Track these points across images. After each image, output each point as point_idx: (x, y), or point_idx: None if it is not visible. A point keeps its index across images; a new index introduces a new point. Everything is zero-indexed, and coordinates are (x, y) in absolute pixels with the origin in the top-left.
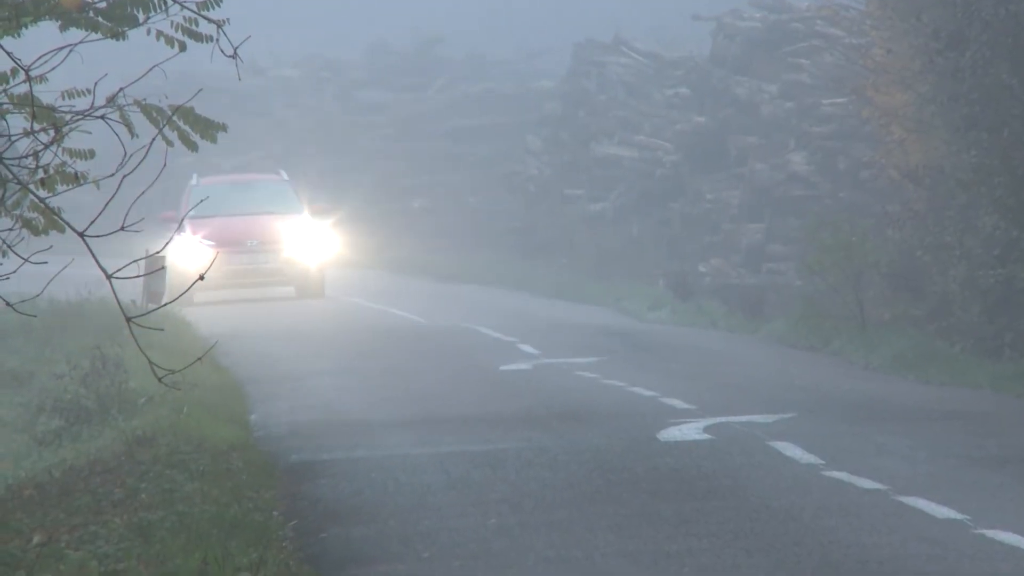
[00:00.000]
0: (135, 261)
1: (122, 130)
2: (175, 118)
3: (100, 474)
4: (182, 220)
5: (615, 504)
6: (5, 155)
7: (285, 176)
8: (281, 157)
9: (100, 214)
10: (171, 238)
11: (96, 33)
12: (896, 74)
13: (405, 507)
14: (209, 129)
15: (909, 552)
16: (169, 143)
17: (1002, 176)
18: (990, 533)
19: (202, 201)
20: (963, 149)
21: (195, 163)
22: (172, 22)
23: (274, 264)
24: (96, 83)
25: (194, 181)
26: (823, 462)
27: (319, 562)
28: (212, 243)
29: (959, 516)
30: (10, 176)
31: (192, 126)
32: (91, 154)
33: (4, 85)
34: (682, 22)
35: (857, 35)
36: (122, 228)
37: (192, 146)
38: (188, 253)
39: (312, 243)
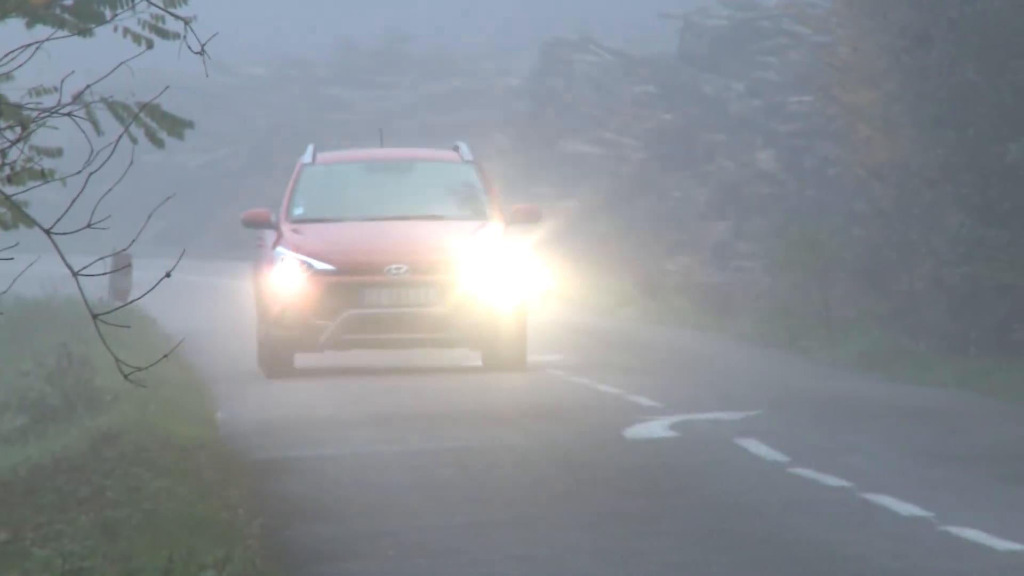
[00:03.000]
0: (101, 259)
1: (89, 127)
2: (142, 115)
3: (66, 472)
4: (277, 221)
5: (582, 502)
6: None
7: (466, 153)
8: (248, 157)
9: (67, 211)
10: (264, 254)
11: (63, 30)
12: (863, 72)
13: (372, 505)
14: (176, 126)
15: (874, 549)
16: (135, 140)
17: (968, 174)
18: (955, 530)
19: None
20: (929, 147)
21: (162, 161)
22: (139, 19)
23: (438, 308)
24: (63, 80)
25: (307, 157)
26: (789, 459)
27: (285, 560)
28: (328, 267)
29: (924, 513)
30: None
31: (159, 123)
32: (59, 152)
33: None
34: (650, 20)
35: (824, 33)
36: (88, 225)
37: (159, 143)
38: (282, 282)
39: (509, 272)
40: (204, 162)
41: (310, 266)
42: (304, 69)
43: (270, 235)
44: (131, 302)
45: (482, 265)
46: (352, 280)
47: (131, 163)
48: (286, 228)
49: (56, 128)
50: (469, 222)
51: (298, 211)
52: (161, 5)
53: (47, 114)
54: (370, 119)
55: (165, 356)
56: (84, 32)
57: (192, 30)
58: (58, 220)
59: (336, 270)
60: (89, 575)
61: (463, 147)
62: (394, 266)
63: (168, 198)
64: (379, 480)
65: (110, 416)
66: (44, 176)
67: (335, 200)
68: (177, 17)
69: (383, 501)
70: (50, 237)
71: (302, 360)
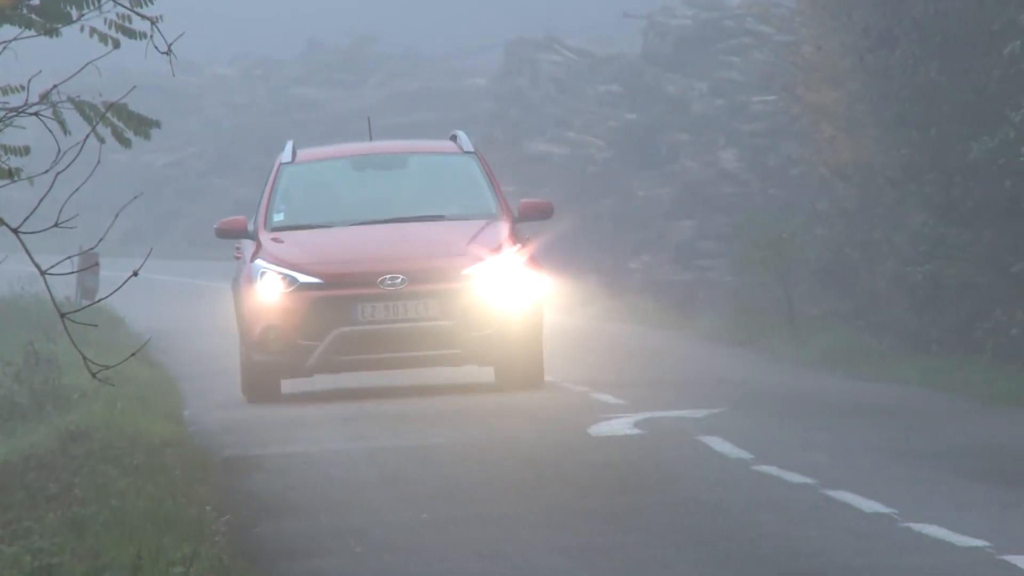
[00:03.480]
0: (69, 258)
1: (56, 127)
2: (109, 115)
3: (34, 469)
4: (255, 230)
5: (546, 498)
6: None
7: (466, 143)
8: (214, 156)
9: (34, 211)
10: (242, 267)
11: (30, 30)
12: (826, 72)
13: (338, 502)
14: (142, 126)
15: (837, 545)
16: (101, 139)
17: (931, 174)
18: (916, 526)
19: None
20: (893, 147)
21: (129, 160)
22: (106, 19)
23: (441, 322)
24: (30, 80)
25: (287, 155)
26: (752, 457)
27: (252, 556)
28: (314, 280)
29: (886, 510)
30: None
31: (126, 123)
32: (26, 151)
33: None
34: (614, 20)
35: (787, 32)
36: (56, 225)
37: (126, 142)
38: (263, 299)
39: (520, 277)
40: (171, 161)
41: (294, 280)
42: (271, 69)
43: (248, 245)
44: (98, 301)
45: (490, 270)
46: (342, 294)
47: (98, 162)
48: (265, 237)
49: (23, 127)
50: (473, 221)
51: (278, 217)
52: (127, 5)
53: (14, 113)
54: (337, 119)
55: (133, 355)
56: (51, 32)
57: (159, 30)
58: (26, 219)
59: (324, 283)
60: (58, 572)
61: (462, 136)
62: (389, 276)
63: (135, 197)
64: (345, 477)
65: (78, 414)
66: (11, 175)
67: (320, 203)
68: (144, 17)
69: (349, 498)
70: (17, 236)
71: (290, 385)
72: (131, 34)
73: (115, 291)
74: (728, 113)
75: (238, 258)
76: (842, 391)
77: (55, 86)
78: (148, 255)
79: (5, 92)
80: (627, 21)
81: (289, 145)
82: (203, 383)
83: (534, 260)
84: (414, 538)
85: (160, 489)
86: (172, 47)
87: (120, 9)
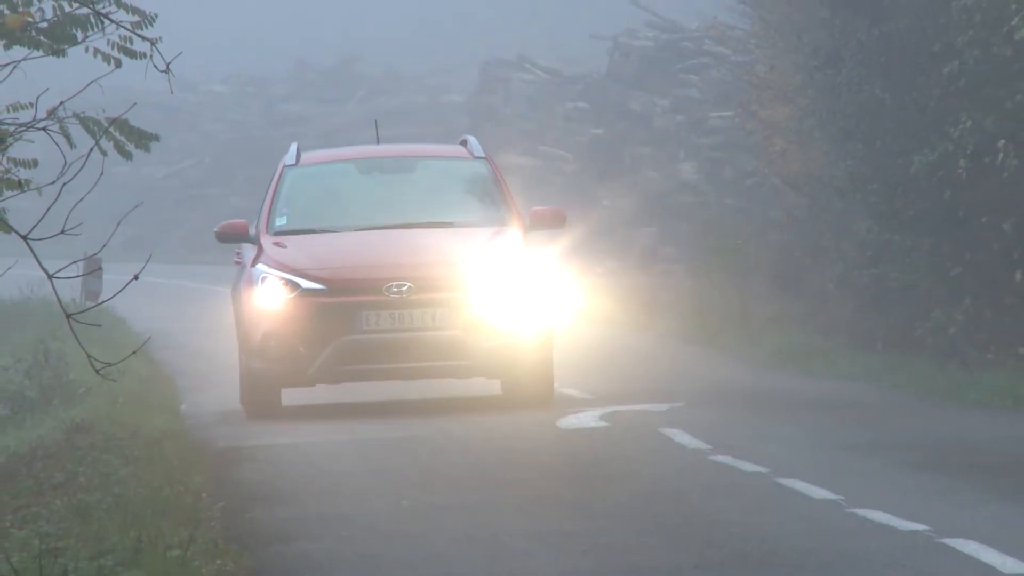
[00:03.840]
0: (74, 262)
1: (62, 140)
2: (111, 129)
3: (42, 459)
4: (256, 234)
5: (519, 487)
6: None
7: (477, 148)
8: (210, 168)
9: (42, 219)
10: (242, 272)
11: (38, 51)
12: (778, 89)
13: (325, 490)
14: (143, 139)
15: (788, 530)
16: (104, 152)
17: (875, 184)
18: (862, 512)
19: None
20: (840, 159)
21: (130, 172)
22: (108, 40)
23: (447, 332)
24: (38, 97)
25: (290, 157)
26: (710, 447)
27: (245, 540)
28: (317, 286)
29: (834, 497)
30: None
31: (127, 137)
32: (34, 163)
33: None
34: (581, 41)
35: (742, 53)
36: (62, 232)
37: (127, 155)
38: (263, 305)
39: (530, 287)
40: (169, 173)
41: (296, 286)
42: (262, 87)
43: (249, 250)
44: (102, 303)
45: (499, 279)
46: (346, 301)
47: (101, 174)
48: (267, 241)
49: (32, 141)
50: (483, 229)
51: (281, 221)
52: (129, 27)
53: (24, 128)
54: (324, 133)
55: (133, 353)
56: (58, 53)
57: (158, 50)
58: (34, 227)
59: (327, 290)
60: (64, 555)
61: (472, 141)
62: (395, 283)
63: (136, 206)
64: (332, 467)
65: (83, 408)
66: (21, 186)
67: (324, 207)
68: (144, 39)
69: (335, 486)
70: (27, 242)
71: (291, 396)
72: (132, 54)
73: (117, 294)
74: (687, 128)
75: (238, 263)
76: (794, 387)
77: (61, 103)
78: (148, 260)
79: (15, 108)
80: (594, 42)
81: (293, 147)
82: (199, 380)
83: (545, 269)
84: (396, 523)
85: (159, 478)
86: (170, 66)
87: (122, 31)
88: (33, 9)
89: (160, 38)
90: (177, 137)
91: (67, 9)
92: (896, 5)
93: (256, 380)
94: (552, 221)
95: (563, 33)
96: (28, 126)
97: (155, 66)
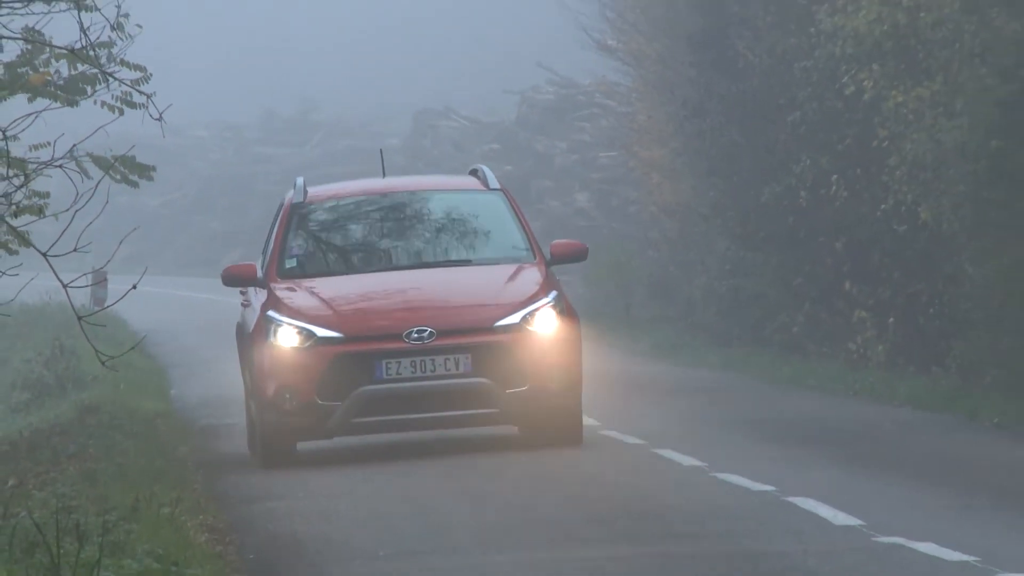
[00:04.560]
0: (84, 275)
1: (75, 175)
2: (117, 164)
3: (58, 434)
4: (265, 278)
5: (445, 459)
6: None
7: (492, 179)
8: (195, 198)
9: (58, 239)
10: (250, 317)
11: (56, 102)
12: (654, 134)
13: (291, 460)
14: (144, 171)
15: (659, 489)
16: (116, 180)
17: (732, 211)
18: (721, 475)
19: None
20: (704, 191)
21: (130, 201)
22: (113, 95)
23: (473, 378)
24: (55, 140)
25: (297, 194)
26: (599, 424)
27: (222, 500)
28: (333, 334)
29: (700, 463)
30: None
31: (131, 170)
32: (47, 195)
33: None
34: (496, 94)
35: (626, 105)
36: (75, 249)
37: (133, 184)
38: (276, 355)
39: (558, 327)
40: (161, 203)
41: (311, 334)
42: (237, 132)
43: (257, 292)
44: (107, 307)
45: (526, 320)
46: (365, 349)
47: (107, 202)
48: (277, 286)
49: (50, 176)
50: (504, 266)
51: (291, 263)
52: (129, 84)
53: (44, 165)
54: (287, 170)
55: (132, 348)
56: (72, 104)
57: (153, 102)
58: (52, 245)
59: (344, 338)
60: (75, 512)
61: (486, 171)
62: (416, 329)
63: (134, 229)
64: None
65: (91, 393)
66: (41, 212)
67: (335, 248)
68: (142, 93)
69: (300, 458)
70: (46, 258)
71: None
72: (132, 106)
73: (119, 300)
74: (581, 165)
75: (245, 305)
76: (667, 375)
77: (75, 145)
78: (144, 273)
79: (37, 148)
80: (506, 96)
81: (299, 182)
82: (185, 371)
83: (570, 307)
84: (347, 486)
85: (153, 450)
86: (163, 115)
87: (124, 87)
88: (52, 69)
89: (154, 92)
90: (167, 173)
91: (79, 68)
92: (749, 67)
93: (270, 434)
94: (573, 255)
95: (481, 88)
96: (49, 163)
97: (150, 115)
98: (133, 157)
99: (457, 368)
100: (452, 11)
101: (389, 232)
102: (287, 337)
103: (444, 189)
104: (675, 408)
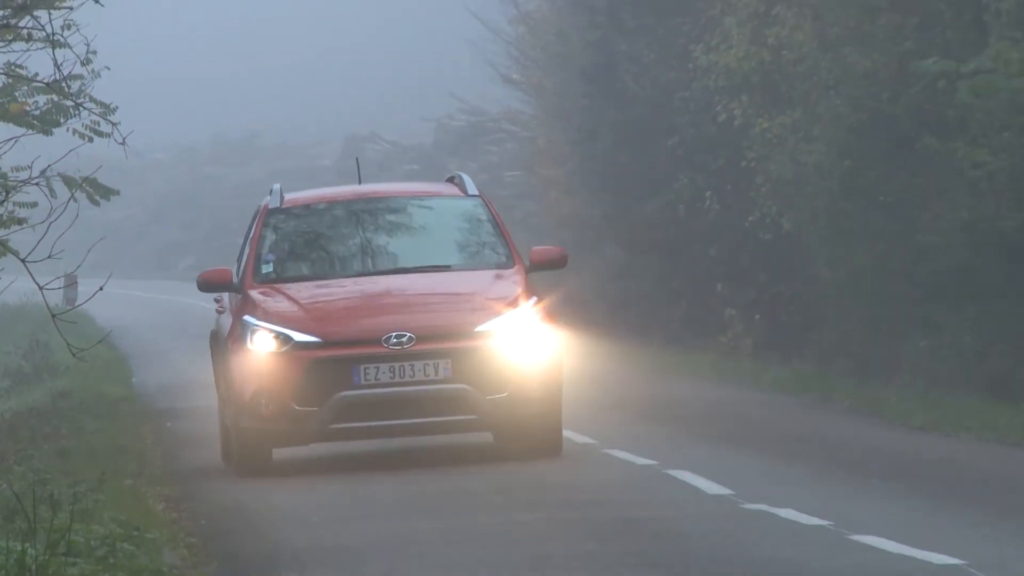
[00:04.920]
0: (58, 278)
1: (49, 192)
2: (84, 185)
3: (35, 417)
4: (241, 283)
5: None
6: None
7: (471, 186)
8: (153, 213)
9: (35, 247)
10: (225, 322)
11: (32, 130)
12: (553, 155)
13: None
14: (107, 192)
15: (557, 463)
16: (76, 200)
17: (621, 222)
18: (612, 452)
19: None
20: (596, 205)
21: (98, 214)
22: (83, 123)
23: (453, 384)
24: (32, 161)
25: (274, 199)
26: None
27: (178, 474)
28: (311, 339)
29: (592, 441)
30: None
31: (95, 190)
32: (34, 204)
33: None
34: (414, 122)
35: (528, 130)
36: (50, 256)
37: (96, 203)
38: (253, 360)
39: (538, 333)
40: (124, 216)
41: (288, 338)
42: (190, 153)
43: (232, 299)
44: (77, 307)
45: (506, 325)
46: (342, 354)
47: (77, 216)
48: (254, 291)
49: (28, 193)
50: (484, 272)
51: (267, 269)
52: (98, 114)
53: (23, 183)
54: (235, 188)
55: (99, 341)
56: (47, 132)
57: (118, 129)
58: (30, 253)
59: (321, 342)
60: (49, 484)
61: (464, 178)
62: (395, 334)
63: (101, 239)
64: None
65: (64, 380)
66: (20, 223)
67: (314, 253)
68: (108, 121)
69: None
70: (24, 264)
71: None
72: (100, 134)
73: (87, 300)
74: (490, 183)
75: (220, 312)
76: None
77: (49, 166)
78: (109, 277)
79: (16, 169)
80: (424, 123)
81: (276, 188)
82: (145, 360)
83: (551, 314)
84: (299, 467)
85: (117, 430)
86: (126, 140)
87: (93, 117)
88: (30, 100)
89: (120, 121)
90: (129, 189)
91: (55, 100)
92: (635, 97)
93: (246, 440)
94: (554, 261)
95: (402, 116)
96: (26, 182)
97: (115, 140)
98: (96, 179)
99: (436, 373)
100: (377, 48)
101: (367, 237)
102: (263, 342)
103: (422, 195)
104: (570, 394)
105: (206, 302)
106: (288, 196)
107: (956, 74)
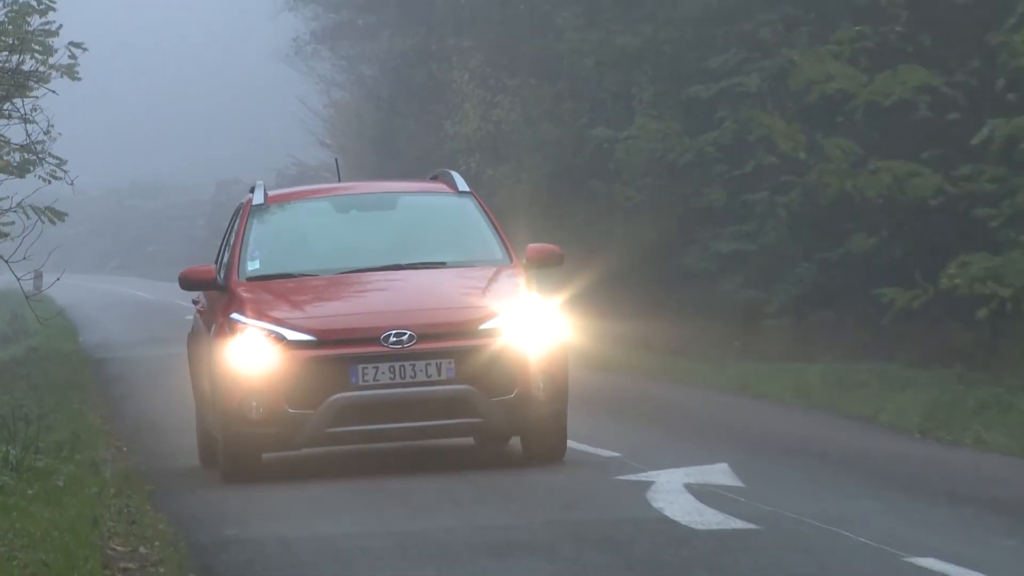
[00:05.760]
0: (30, 272)
1: (23, 215)
2: (46, 211)
3: (15, 364)
4: (226, 281)
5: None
6: None
7: (461, 182)
8: (93, 228)
9: (14, 252)
10: (207, 321)
11: (12, 175)
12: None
13: (170, 387)
14: (60, 216)
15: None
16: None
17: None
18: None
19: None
20: None
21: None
22: (45, 171)
23: (456, 385)
24: (12, 196)
25: (258, 196)
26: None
27: (109, 398)
28: (306, 337)
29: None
30: None
31: (53, 214)
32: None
33: None
34: (262, 171)
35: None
36: (24, 258)
37: (53, 222)
38: (243, 360)
39: (542, 331)
40: (72, 232)
41: (280, 337)
42: (116, 191)
43: (215, 297)
44: (43, 291)
45: (511, 323)
46: (339, 353)
47: (41, 232)
48: (240, 289)
49: (9, 217)
50: (483, 269)
51: (253, 266)
52: (55, 165)
53: (6, 211)
54: (147, 215)
55: (57, 314)
56: (22, 176)
57: (67, 174)
58: (11, 255)
59: (317, 341)
60: (24, 407)
61: (454, 175)
62: (395, 332)
63: (57, 247)
64: (167, 377)
65: (33, 339)
66: (3, 237)
67: (301, 249)
68: (62, 170)
69: (166, 387)
70: (7, 263)
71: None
72: (56, 177)
73: (49, 287)
74: None
75: (201, 311)
76: None
77: (24, 199)
78: (63, 272)
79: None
80: (268, 171)
81: (260, 185)
82: (89, 327)
83: (557, 311)
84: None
85: (69, 372)
86: (73, 182)
87: (50, 167)
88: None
89: (69, 170)
90: (75, 214)
91: (27, 156)
92: (407, 155)
93: (236, 446)
94: (550, 259)
95: (256, 164)
96: (8, 210)
97: (66, 183)
98: (53, 207)
99: (439, 374)
100: (239, 113)
101: (356, 233)
102: (254, 340)
103: (411, 191)
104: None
105: (131, 288)
106: (273, 193)
107: (615, 139)
